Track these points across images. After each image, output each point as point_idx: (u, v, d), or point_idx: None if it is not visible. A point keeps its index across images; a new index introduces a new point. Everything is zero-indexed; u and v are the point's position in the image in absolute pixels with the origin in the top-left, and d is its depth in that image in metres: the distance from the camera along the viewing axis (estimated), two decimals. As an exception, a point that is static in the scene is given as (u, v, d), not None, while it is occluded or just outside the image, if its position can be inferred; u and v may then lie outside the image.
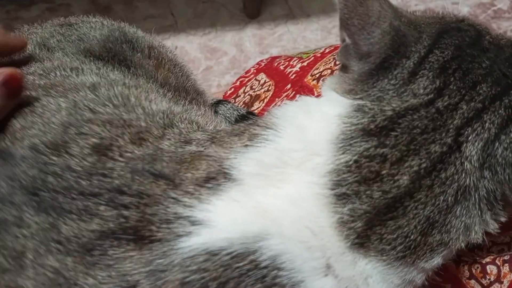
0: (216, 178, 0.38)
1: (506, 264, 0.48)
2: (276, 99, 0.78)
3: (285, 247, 0.35)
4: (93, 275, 0.35)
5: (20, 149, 0.40)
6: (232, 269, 0.34)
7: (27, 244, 0.36)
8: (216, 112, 0.75)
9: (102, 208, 0.37)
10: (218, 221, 0.35)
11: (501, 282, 0.47)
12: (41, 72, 0.49)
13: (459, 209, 0.38)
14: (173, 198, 0.37)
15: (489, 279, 0.48)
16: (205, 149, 0.41)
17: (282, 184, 0.38)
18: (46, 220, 0.37)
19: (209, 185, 0.37)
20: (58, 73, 0.49)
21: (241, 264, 0.34)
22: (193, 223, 0.35)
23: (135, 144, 0.41)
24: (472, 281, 0.48)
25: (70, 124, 0.42)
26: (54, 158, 0.39)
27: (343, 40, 0.45)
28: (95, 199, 0.37)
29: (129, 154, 0.40)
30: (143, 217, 0.36)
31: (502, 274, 0.48)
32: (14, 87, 0.42)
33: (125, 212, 0.36)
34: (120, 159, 0.39)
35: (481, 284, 0.48)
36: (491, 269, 0.48)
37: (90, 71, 0.50)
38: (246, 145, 0.40)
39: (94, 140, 0.41)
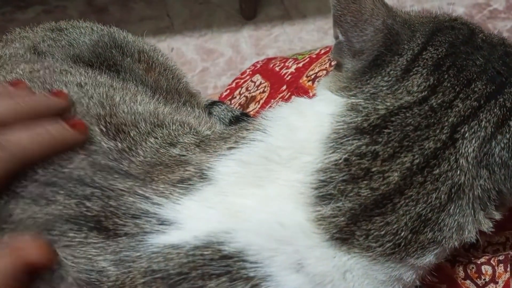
0: (190, 179, 0.38)
1: (501, 264, 0.48)
2: (272, 100, 0.78)
3: (251, 239, 0.35)
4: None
5: None
6: (195, 258, 0.34)
7: None
8: (210, 113, 0.75)
9: (59, 197, 0.36)
10: (186, 222, 0.35)
11: (496, 282, 0.47)
12: (30, 70, 0.49)
13: (452, 207, 0.37)
14: (139, 194, 0.36)
15: (484, 279, 0.48)
16: (187, 153, 0.41)
17: (263, 182, 0.37)
18: None
19: (182, 186, 0.37)
20: (47, 71, 0.49)
21: (204, 253, 0.34)
22: (161, 222, 0.35)
23: (105, 135, 0.40)
24: (468, 282, 0.48)
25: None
26: None
27: (336, 37, 0.45)
28: (51, 188, 0.37)
29: (92, 147, 0.39)
30: (106, 208, 0.36)
31: (497, 274, 0.48)
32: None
33: (87, 203, 0.36)
34: (81, 151, 0.38)
35: (476, 284, 0.48)
36: (486, 269, 0.48)
37: (79, 74, 0.50)
38: (230, 147, 0.40)
39: None
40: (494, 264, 0.48)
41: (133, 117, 0.43)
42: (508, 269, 0.47)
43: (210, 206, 0.36)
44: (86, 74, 0.51)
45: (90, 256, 0.34)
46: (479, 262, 0.49)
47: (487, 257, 0.49)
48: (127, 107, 0.45)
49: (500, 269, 0.48)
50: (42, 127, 0.37)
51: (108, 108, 0.43)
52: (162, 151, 0.41)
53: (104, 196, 0.36)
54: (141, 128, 0.42)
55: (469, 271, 0.49)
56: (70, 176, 0.37)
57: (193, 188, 0.37)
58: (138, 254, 0.34)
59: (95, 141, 0.39)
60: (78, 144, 0.39)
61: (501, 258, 0.48)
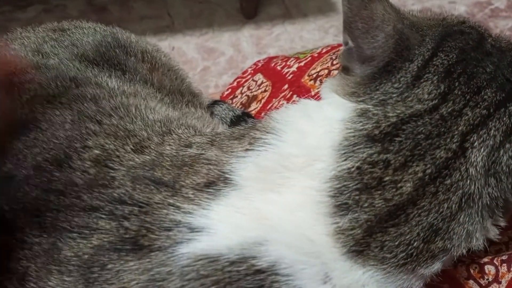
0: (216, 183, 0.38)
1: (504, 264, 0.48)
2: (273, 99, 0.78)
3: (283, 253, 0.35)
4: None
5: (23, 170, 0.40)
6: (231, 274, 0.34)
7: (29, 266, 0.36)
8: (212, 113, 0.75)
9: (102, 222, 0.37)
10: (217, 228, 0.35)
11: (499, 282, 0.47)
12: (40, 81, 0.49)
13: (462, 216, 0.37)
14: (172, 205, 0.37)
15: (487, 279, 0.48)
16: (205, 151, 0.41)
17: (282, 189, 0.37)
18: (47, 241, 0.37)
19: (209, 190, 0.37)
20: (59, 83, 0.49)
21: (239, 269, 0.34)
22: (192, 229, 0.35)
23: (136, 153, 0.41)
24: (471, 281, 0.48)
25: (75, 138, 0.42)
26: (57, 174, 0.39)
27: (346, 43, 0.44)
28: (95, 213, 0.37)
29: (130, 163, 0.40)
30: (143, 226, 0.36)
31: (500, 274, 0.47)
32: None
33: (125, 223, 0.36)
34: (121, 168, 0.39)
35: (479, 284, 0.48)
36: (489, 269, 0.48)
37: (89, 82, 0.50)
38: (247, 149, 0.40)
39: (96, 151, 0.41)
40: (497, 263, 0.48)
41: (147, 133, 0.44)
42: (512, 268, 0.47)
43: (237, 211, 0.36)
44: (95, 78, 0.51)
45: (124, 284, 0.34)
46: (482, 262, 0.48)
47: (490, 257, 0.49)
48: (141, 120, 0.46)
49: (504, 268, 0.47)
50: None
51: (129, 125, 0.44)
52: (181, 153, 0.41)
53: (141, 212, 0.37)
54: (155, 140, 0.43)
55: (472, 271, 0.49)
56: (112, 196, 0.38)
57: (220, 193, 0.37)
58: (169, 269, 0.34)
59: (130, 158, 0.40)
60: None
61: (504, 257, 0.48)
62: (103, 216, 0.37)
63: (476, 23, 0.46)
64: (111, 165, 0.40)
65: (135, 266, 0.34)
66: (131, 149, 0.41)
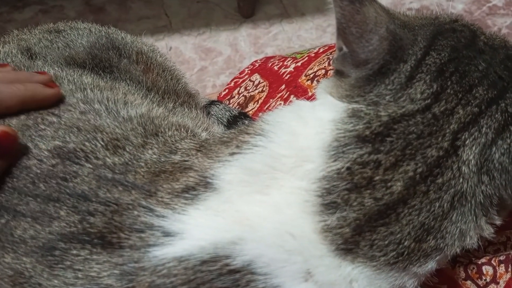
0: (195, 188, 0.37)
1: (502, 265, 0.47)
2: (270, 100, 0.78)
3: (261, 251, 0.34)
4: (56, 275, 0.34)
5: None
6: (203, 274, 0.33)
7: None
8: (209, 113, 0.75)
9: (62, 212, 0.36)
10: (192, 232, 0.35)
11: (497, 283, 0.47)
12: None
13: (454, 215, 0.37)
14: (144, 207, 0.36)
15: (485, 279, 0.48)
16: (190, 158, 0.40)
17: (269, 190, 0.37)
18: (0, 220, 0.37)
19: (187, 195, 0.37)
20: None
21: (212, 268, 0.33)
22: (166, 234, 0.35)
23: (108, 151, 0.40)
24: (468, 282, 0.48)
25: (29, 126, 0.41)
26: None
27: (340, 49, 0.44)
28: (54, 203, 0.37)
29: (98, 161, 0.39)
30: (111, 223, 0.36)
31: (498, 274, 0.47)
32: (6, 146, 0.38)
33: (90, 218, 0.36)
34: (87, 164, 0.39)
35: (477, 285, 0.48)
36: (487, 269, 0.48)
37: (61, 82, 0.49)
38: (233, 153, 0.39)
39: (56, 142, 0.40)
40: (495, 264, 0.48)
41: (122, 130, 0.43)
42: (510, 269, 0.47)
43: (216, 215, 0.36)
44: (71, 77, 0.51)
45: (94, 273, 0.34)
46: (479, 263, 0.48)
47: (488, 257, 0.48)
48: (114, 116, 0.44)
49: (501, 269, 0.47)
50: (19, 84, 0.43)
51: (97, 120, 0.43)
52: (163, 159, 0.40)
53: (108, 211, 0.36)
54: (133, 142, 0.42)
55: (469, 271, 0.48)
56: (74, 191, 0.37)
57: (198, 197, 0.37)
58: (141, 265, 0.33)
59: (99, 157, 0.39)
60: (49, 100, 0.44)
61: (502, 258, 0.48)
62: (65, 207, 0.36)
63: (469, 22, 0.46)
64: (74, 159, 0.39)
65: (105, 259, 0.34)
66: (101, 145, 0.40)
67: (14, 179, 0.39)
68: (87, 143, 0.40)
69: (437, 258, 0.38)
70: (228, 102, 0.86)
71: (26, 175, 0.39)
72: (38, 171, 0.39)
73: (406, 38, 0.42)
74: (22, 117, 0.43)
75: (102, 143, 0.40)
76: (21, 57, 0.55)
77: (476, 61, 0.41)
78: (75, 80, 0.50)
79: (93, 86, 0.48)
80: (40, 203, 0.37)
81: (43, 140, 0.41)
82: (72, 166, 0.38)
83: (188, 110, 0.59)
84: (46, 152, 0.40)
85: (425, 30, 0.43)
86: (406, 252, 0.36)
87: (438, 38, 0.42)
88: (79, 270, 0.34)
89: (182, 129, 0.47)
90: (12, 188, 0.38)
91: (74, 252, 0.35)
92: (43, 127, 0.42)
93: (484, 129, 0.38)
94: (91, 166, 0.39)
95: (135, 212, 0.36)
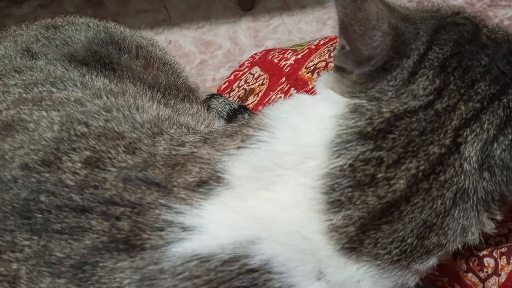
0: (208, 183, 0.38)
1: (504, 257, 0.47)
2: (271, 92, 0.77)
3: (277, 251, 0.35)
4: None
5: (10, 171, 0.39)
6: (223, 274, 0.34)
7: (20, 269, 0.36)
8: (208, 107, 0.74)
9: (93, 222, 0.37)
10: (210, 227, 0.35)
11: (499, 275, 0.47)
12: (24, 85, 0.48)
13: (457, 211, 0.37)
14: (164, 205, 0.37)
15: (487, 271, 0.47)
16: (198, 149, 0.41)
17: (275, 187, 0.37)
18: (38, 243, 0.37)
19: (201, 190, 0.37)
20: (41, 88, 0.48)
21: (232, 268, 0.34)
22: (185, 229, 0.35)
23: (128, 154, 0.41)
24: (470, 274, 0.48)
25: (63, 139, 0.41)
26: (46, 175, 0.39)
27: (342, 47, 0.43)
28: (86, 214, 0.37)
29: (122, 164, 0.40)
30: (135, 225, 0.36)
31: (499, 266, 0.47)
32: None
33: (118, 223, 0.36)
34: (113, 169, 0.39)
35: (478, 277, 0.48)
36: (489, 261, 0.48)
37: (74, 84, 0.49)
38: (239, 147, 0.39)
39: (87, 153, 0.40)
40: (496, 256, 0.48)
41: (137, 134, 0.44)
42: (511, 261, 0.47)
43: (231, 210, 0.36)
44: (82, 79, 0.51)
45: (116, 284, 0.34)
46: (481, 255, 0.48)
47: (489, 250, 0.48)
48: (130, 121, 0.45)
49: (503, 261, 0.47)
50: None
51: (117, 127, 0.44)
52: (174, 153, 0.41)
53: (133, 213, 0.37)
54: (146, 142, 0.43)
55: (471, 263, 0.48)
56: (103, 197, 0.38)
57: (212, 192, 0.37)
58: (160, 267, 0.34)
59: (122, 160, 0.40)
60: None
61: (503, 250, 0.48)
62: (95, 216, 0.37)
63: (471, 14, 0.45)
64: (102, 166, 0.40)
65: (128, 265, 0.34)
66: (123, 150, 0.41)
67: (51, 197, 0.38)
68: (112, 150, 0.41)
69: (439, 254, 0.38)
70: (228, 95, 0.86)
71: (62, 190, 0.38)
72: (72, 184, 0.39)
73: (408, 32, 0.41)
74: (55, 128, 0.43)
75: (124, 148, 0.41)
76: (20, 58, 0.54)
77: (478, 56, 0.40)
78: (88, 83, 0.50)
79: (107, 91, 0.49)
80: (75, 217, 0.37)
81: (75, 152, 0.41)
82: (100, 173, 0.39)
83: (189, 105, 0.59)
84: (79, 164, 0.40)
85: (427, 24, 0.42)
86: (409, 250, 0.36)
87: (440, 32, 0.42)
88: (105, 283, 0.34)
89: (184, 127, 0.47)
90: (50, 206, 0.38)
91: (102, 264, 0.35)
92: (75, 138, 0.42)
93: (486, 125, 0.38)
94: (115, 169, 0.39)
95: (156, 211, 0.36)
